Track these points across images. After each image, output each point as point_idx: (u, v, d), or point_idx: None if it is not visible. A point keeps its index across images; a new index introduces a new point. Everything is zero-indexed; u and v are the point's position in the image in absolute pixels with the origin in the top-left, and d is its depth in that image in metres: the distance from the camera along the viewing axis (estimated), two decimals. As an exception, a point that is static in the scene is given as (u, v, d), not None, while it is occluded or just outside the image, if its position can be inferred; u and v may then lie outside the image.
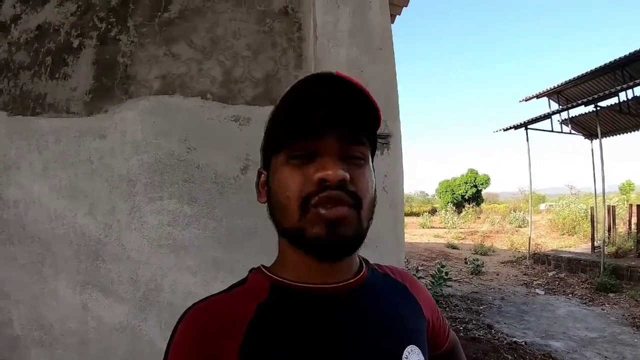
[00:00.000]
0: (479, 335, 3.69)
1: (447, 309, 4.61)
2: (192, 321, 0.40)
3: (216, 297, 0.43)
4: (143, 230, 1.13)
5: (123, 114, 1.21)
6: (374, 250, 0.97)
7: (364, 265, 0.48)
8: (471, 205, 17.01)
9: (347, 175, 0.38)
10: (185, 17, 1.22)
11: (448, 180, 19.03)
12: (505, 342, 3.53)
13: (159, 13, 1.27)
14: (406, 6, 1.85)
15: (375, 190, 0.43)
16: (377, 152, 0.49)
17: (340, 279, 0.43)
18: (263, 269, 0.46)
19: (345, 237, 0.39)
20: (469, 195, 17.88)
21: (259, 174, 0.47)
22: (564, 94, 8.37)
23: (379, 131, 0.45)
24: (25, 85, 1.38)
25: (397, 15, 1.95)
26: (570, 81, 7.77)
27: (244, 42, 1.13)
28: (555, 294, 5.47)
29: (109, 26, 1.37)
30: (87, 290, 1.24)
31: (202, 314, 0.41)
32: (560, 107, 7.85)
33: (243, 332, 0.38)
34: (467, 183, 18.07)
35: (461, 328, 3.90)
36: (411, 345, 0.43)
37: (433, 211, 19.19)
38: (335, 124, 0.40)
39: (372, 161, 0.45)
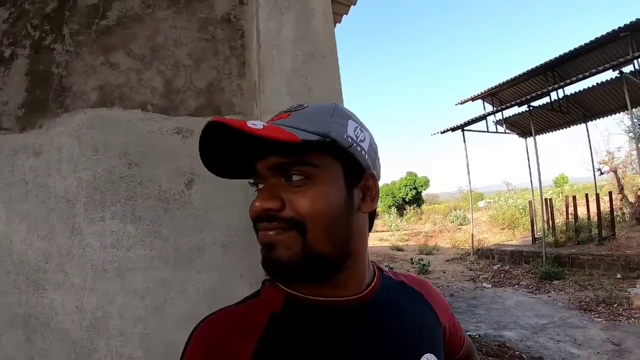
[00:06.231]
0: (432, 334, 3.83)
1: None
2: (206, 331, 0.40)
3: (229, 308, 0.43)
4: (85, 254, 1.05)
5: (59, 129, 1.12)
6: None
7: (376, 275, 0.48)
8: (412, 207, 17.40)
9: (269, 205, 0.39)
10: (124, 25, 1.15)
11: (388, 184, 19.31)
12: (458, 337, 3.67)
13: (96, 20, 1.19)
14: (354, 4, 1.85)
15: (336, 207, 0.40)
16: None
17: (352, 291, 0.43)
18: (269, 277, 0.44)
19: (282, 261, 0.39)
20: (409, 197, 18.24)
21: None
22: (498, 96, 8.82)
23: (344, 142, 0.41)
24: (-50, 100, 1.26)
25: (345, 15, 1.94)
26: (504, 83, 8.20)
27: (186, 51, 1.08)
28: (502, 286, 5.71)
29: (43, 34, 1.28)
30: (30, 323, 1.15)
31: (216, 324, 0.41)
32: (495, 108, 8.22)
33: (257, 340, 0.39)
34: (407, 186, 18.46)
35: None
36: (428, 354, 0.44)
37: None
38: (260, 155, 0.40)
39: (347, 175, 0.41)
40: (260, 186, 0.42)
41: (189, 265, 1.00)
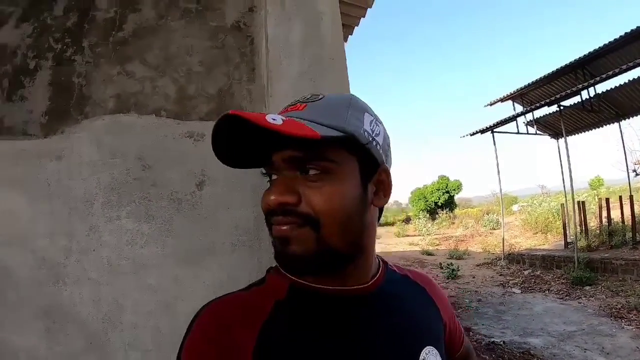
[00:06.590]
0: (457, 339, 3.74)
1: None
2: (209, 315, 0.40)
3: (234, 294, 0.43)
4: (102, 250, 1.11)
5: (79, 135, 1.19)
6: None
7: (381, 267, 0.49)
8: (445, 211, 17.07)
9: (285, 199, 0.38)
10: (139, 36, 1.22)
11: (420, 188, 19.06)
12: (483, 343, 3.54)
13: (114, 32, 1.26)
14: (370, 7, 1.86)
15: (352, 204, 0.40)
16: None
17: (356, 282, 0.44)
18: (282, 270, 0.45)
19: (296, 255, 0.39)
20: (442, 201, 17.94)
21: None
22: (527, 96, 8.55)
23: (362, 138, 0.41)
24: (-18, 109, 1.35)
25: (362, 18, 1.95)
26: (533, 83, 7.94)
27: (197, 59, 1.13)
28: (531, 292, 5.54)
29: (64, 47, 1.36)
30: (50, 315, 1.21)
31: (220, 309, 0.41)
32: (525, 109, 7.98)
33: (260, 326, 0.39)
34: (439, 190, 18.18)
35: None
36: (429, 347, 0.45)
37: (407, 220, 19.06)
38: (277, 147, 0.40)
39: (362, 170, 0.41)
40: (274, 177, 0.42)
41: (199, 263, 1.04)
